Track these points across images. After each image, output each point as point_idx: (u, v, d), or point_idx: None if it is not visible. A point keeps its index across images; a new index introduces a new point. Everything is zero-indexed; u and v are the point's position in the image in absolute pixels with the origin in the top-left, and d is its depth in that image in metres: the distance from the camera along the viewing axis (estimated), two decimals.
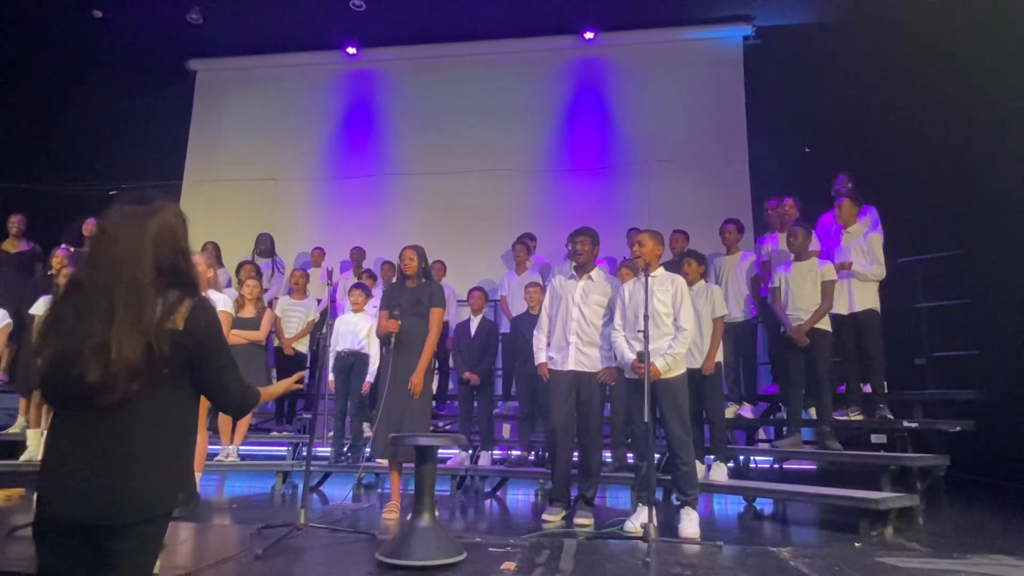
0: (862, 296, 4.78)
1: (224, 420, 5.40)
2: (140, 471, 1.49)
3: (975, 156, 5.27)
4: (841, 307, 4.78)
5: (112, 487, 1.47)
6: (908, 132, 5.89)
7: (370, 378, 5.45)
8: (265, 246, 7.09)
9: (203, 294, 1.64)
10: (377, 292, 6.52)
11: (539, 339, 4.15)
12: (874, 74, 6.25)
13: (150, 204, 1.61)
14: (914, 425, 4.45)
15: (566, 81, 8.27)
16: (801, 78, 6.92)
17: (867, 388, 4.82)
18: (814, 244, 5.07)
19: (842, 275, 4.78)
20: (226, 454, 5.36)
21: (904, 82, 5.96)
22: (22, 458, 5.17)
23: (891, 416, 4.60)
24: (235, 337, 4.72)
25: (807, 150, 6.87)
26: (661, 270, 3.84)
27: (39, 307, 5.35)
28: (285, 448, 6.11)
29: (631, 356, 3.62)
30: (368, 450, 5.48)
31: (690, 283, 4.30)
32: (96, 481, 1.46)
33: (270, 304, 6.20)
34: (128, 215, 1.58)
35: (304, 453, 4.81)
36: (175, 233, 1.61)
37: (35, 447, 5.18)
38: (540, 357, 4.10)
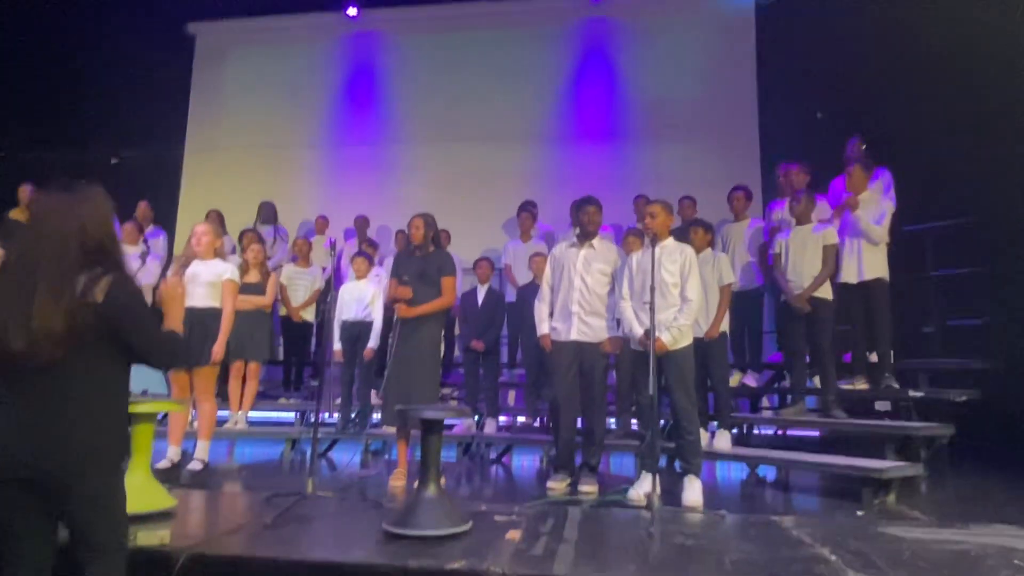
0: (871, 264, 4.70)
1: (233, 387, 5.46)
2: (72, 428, 1.64)
3: (989, 122, 5.13)
4: (850, 275, 4.72)
5: (48, 445, 1.62)
6: (921, 97, 5.73)
7: (372, 343, 5.48)
8: (267, 214, 7.05)
9: (126, 271, 1.78)
10: (380, 260, 6.51)
11: (541, 310, 4.12)
12: (888, 37, 6.05)
13: (78, 191, 1.78)
14: (920, 394, 4.44)
15: (572, 44, 8.07)
16: (814, 41, 6.71)
17: (873, 357, 4.81)
18: (820, 211, 5.00)
19: (848, 229, 4.68)
20: (235, 421, 5.42)
21: (918, 45, 5.77)
22: None
23: (897, 385, 4.59)
24: (242, 303, 4.72)
25: (819, 115, 6.71)
26: (670, 240, 3.80)
27: None
28: (293, 415, 6.18)
29: (639, 331, 3.61)
30: (375, 417, 5.56)
31: (697, 251, 4.25)
32: (31, 437, 1.62)
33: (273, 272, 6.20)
34: (55, 201, 1.76)
35: (312, 420, 4.87)
36: (102, 216, 1.78)
37: None
38: (543, 328, 4.08)
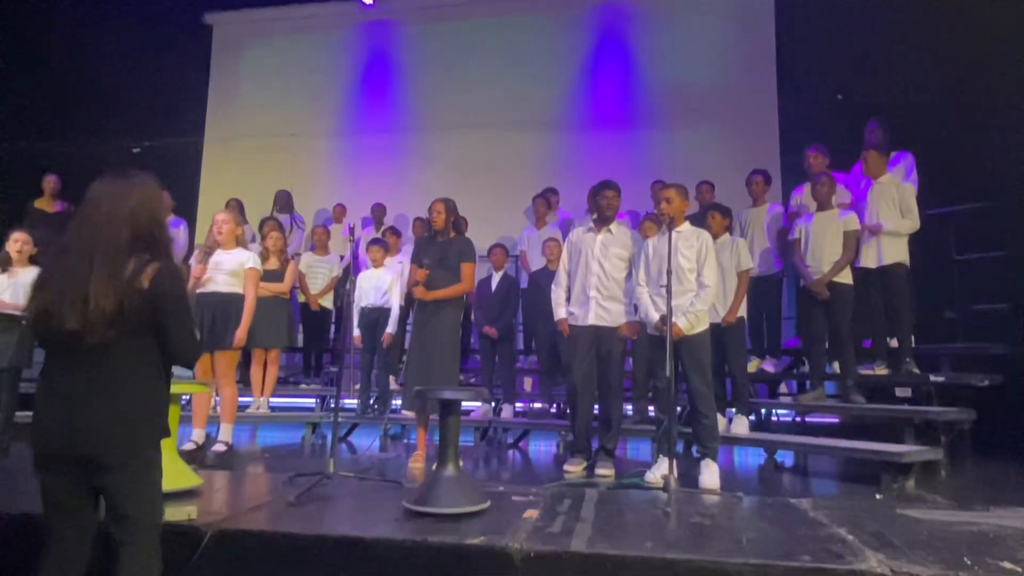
0: (891, 249, 4.65)
1: (255, 373, 5.55)
2: (116, 410, 1.71)
3: (1015, 104, 5.02)
4: (870, 260, 4.68)
5: (91, 423, 1.69)
6: (945, 78, 5.62)
7: (390, 329, 5.54)
8: (283, 202, 7.11)
9: (172, 260, 1.85)
10: (401, 247, 6.55)
11: (558, 294, 4.14)
12: (909, 18, 5.94)
13: (132, 179, 1.84)
14: (941, 379, 4.39)
15: (588, 28, 8.01)
16: (834, 22, 6.60)
17: (894, 342, 4.76)
18: (842, 195, 4.95)
19: (869, 236, 4.65)
20: (257, 406, 5.52)
21: (942, 26, 5.65)
22: None
23: (917, 370, 4.54)
24: (261, 290, 4.80)
25: (839, 97, 6.61)
26: (686, 224, 3.78)
27: None
28: (314, 400, 6.28)
29: (655, 317, 3.61)
30: (394, 403, 5.63)
31: (714, 236, 4.24)
32: (78, 418, 1.69)
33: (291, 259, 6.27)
34: (111, 187, 1.81)
35: (332, 405, 4.95)
36: (153, 205, 1.85)
37: None
38: (559, 312, 4.10)
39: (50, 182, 6.78)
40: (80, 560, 1.79)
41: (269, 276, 5.42)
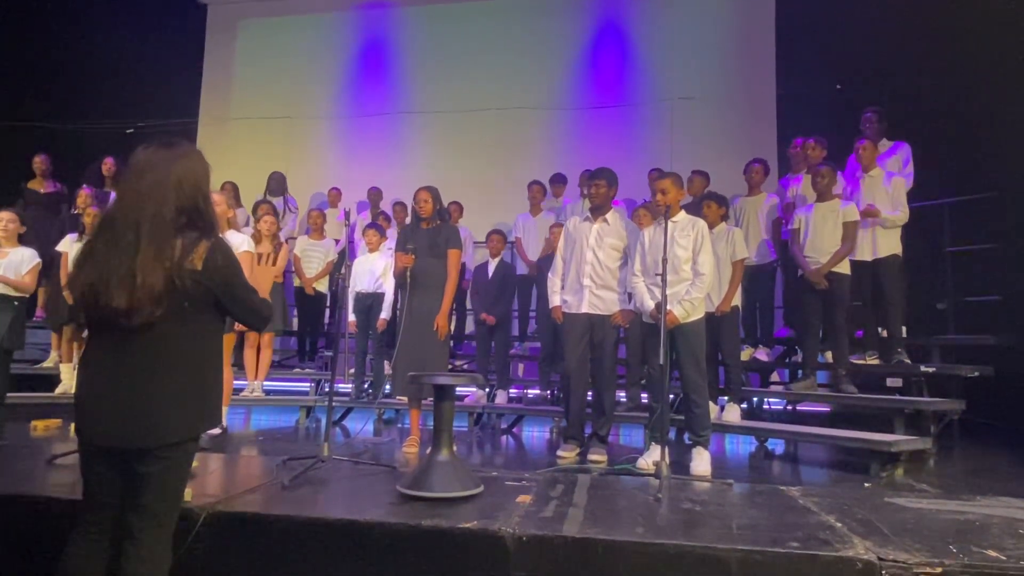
0: (886, 242, 4.67)
1: (249, 357, 5.55)
2: (161, 399, 1.63)
3: (1011, 95, 5.02)
4: (865, 253, 4.69)
5: (134, 413, 1.61)
6: (942, 68, 5.61)
7: (384, 315, 5.53)
8: (276, 185, 7.07)
9: (219, 235, 1.74)
10: (391, 233, 6.53)
11: (553, 282, 4.15)
12: (909, 8, 5.92)
13: (176, 147, 1.72)
14: (931, 370, 4.43)
15: (586, 13, 7.95)
16: (834, 11, 6.57)
17: (885, 333, 4.79)
18: (840, 186, 4.95)
19: (866, 223, 4.66)
20: (251, 389, 5.53)
21: (940, 16, 5.64)
22: (57, 391, 5.39)
23: (908, 361, 4.58)
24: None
25: (838, 87, 6.59)
26: (682, 214, 3.78)
27: (65, 245, 5.46)
28: (308, 384, 6.29)
29: (651, 305, 3.62)
30: (388, 387, 5.64)
31: (710, 226, 4.23)
32: (120, 408, 1.61)
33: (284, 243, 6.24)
34: (155, 155, 1.69)
35: (326, 389, 4.96)
36: (198, 176, 1.73)
37: (68, 381, 5.39)
38: (554, 300, 4.11)
39: (40, 162, 6.73)
40: (103, 559, 1.69)
41: (261, 260, 5.41)
